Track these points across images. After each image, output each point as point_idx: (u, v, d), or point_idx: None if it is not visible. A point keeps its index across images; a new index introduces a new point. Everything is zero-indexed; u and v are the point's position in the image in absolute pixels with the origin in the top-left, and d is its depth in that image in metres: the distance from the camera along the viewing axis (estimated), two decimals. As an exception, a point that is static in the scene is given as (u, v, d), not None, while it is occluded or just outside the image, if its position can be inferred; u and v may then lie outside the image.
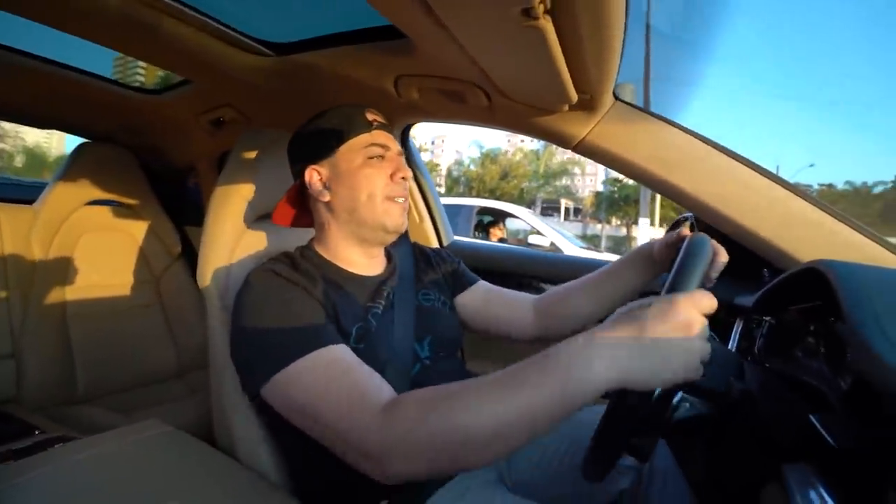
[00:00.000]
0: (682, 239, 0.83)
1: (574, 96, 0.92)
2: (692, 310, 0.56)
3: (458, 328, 1.07)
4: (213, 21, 1.08)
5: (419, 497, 0.82)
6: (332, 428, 0.68)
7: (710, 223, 1.03)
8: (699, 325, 0.56)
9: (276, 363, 0.73)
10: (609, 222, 33.59)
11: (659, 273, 0.99)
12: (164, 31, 1.06)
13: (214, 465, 0.86)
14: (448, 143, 56.84)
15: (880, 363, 0.46)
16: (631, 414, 0.59)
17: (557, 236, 6.01)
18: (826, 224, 0.95)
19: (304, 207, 1.01)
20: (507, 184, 35.09)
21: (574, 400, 0.56)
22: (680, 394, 0.65)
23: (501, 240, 5.91)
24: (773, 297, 0.88)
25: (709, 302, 0.57)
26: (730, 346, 1.02)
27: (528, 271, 1.70)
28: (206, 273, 1.01)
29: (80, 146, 1.76)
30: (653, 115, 1.04)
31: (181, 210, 2.07)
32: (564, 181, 39.32)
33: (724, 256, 0.81)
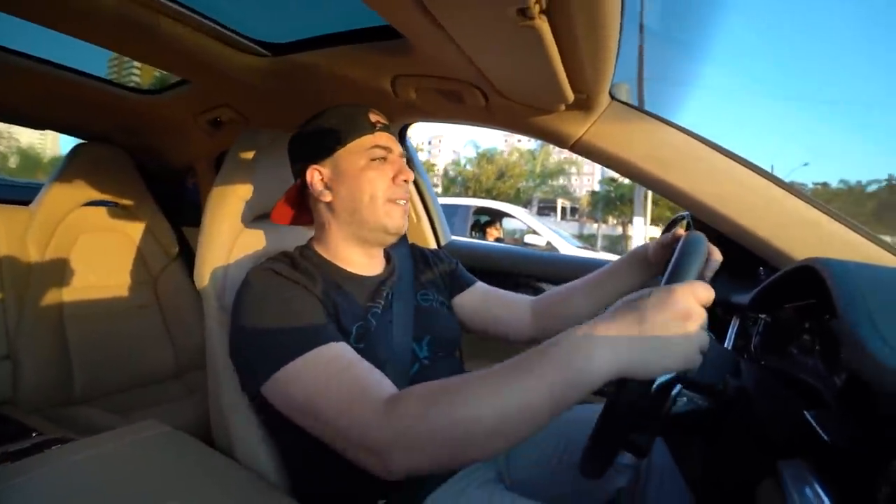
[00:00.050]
0: (677, 239, 0.83)
1: (571, 96, 0.92)
2: (691, 299, 0.57)
3: (457, 328, 1.07)
4: (209, 21, 1.08)
5: (417, 496, 0.83)
6: (334, 424, 0.68)
7: (706, 222, 1.04)
8: (698, 314, 0.57)
9: (276, 361, 0.73)
10: (605, 222, 33.60)
11: (655, 274, 0.99)
12: (160, 31, 1.05)
13: (213, 465, 0.86)
14: (445, 143, 56.81)
15: (873, 361, 0.46)
16: (629, 410, 0.59)
17: (553, 236, 6.03)
18: (822, 223, 0.96)
19: (303, 206, 1.02)
20: (503, 184, 35.06)
21: (575, 391, 0.56)
22: (678, 387, 0.65)
23: (498, 239, 5.93)
24: (769, 295, 0.89)
25: (707, 293, 0.58)
26: (726, 344, 1.03)
27: (525, 270, 1.71)
28: (204, 273, 1.01)
29: (77, 147, 1.75)
30: (649, 114, 1.04)
31: (178, 210, 2.06)
32: (561, 181, 39.36)
33: (718, 256, 0.82)
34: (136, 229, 1.89)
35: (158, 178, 2.02)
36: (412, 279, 1.03)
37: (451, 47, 0.78)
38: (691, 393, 0.71)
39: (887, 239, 0.95)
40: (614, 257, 1.09)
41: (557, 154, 35.09)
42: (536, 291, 1.68)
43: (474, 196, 27.02)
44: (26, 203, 1.64)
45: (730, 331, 1.05)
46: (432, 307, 1.02)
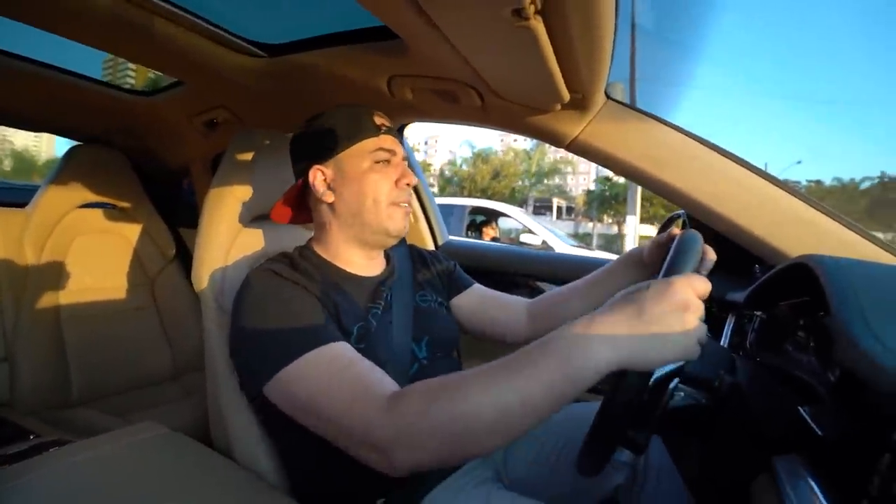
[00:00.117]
0: (672, 239, 0.84)
1: (566, 95, 0.93)
2: (689, 290, 0.57)
3: (455, 329, 1.07)
4: (205, 22, 1.08)
5: (416, 495, 0.83)
6: (337, 422, 0.68)
7: (701, 220, 1.04)
8: (696, 306, 0.57)
9: (278, 362, 0.73)
10: (601, 220, 33.66)
11: (650, 275, 1.00)
12: (156, 32, 1.05)
13: (212, 465, 0.86)
14: (441, 143, 56.88)
15: (865, 358, 0.47)
16: (627, 405, 0.59)
17: (549, 235, 6.05)
18: (816, 221, 0.96)
19: (302, 206, 1.02)
20: (498, 183, 35.11)
21: (575, 383, 0.56)
22: (676, 381, 0.65)
23: (494, 239, 5.94)
24: (764, 292, 0.89)
25: (704, 285, 0.58)
26: (722, 342, 1.03)
27: (522, 270, 1.71)
28: (202, 275, 1.01)
29: (73, 148, 1.74)
30: (645, 113, 1.05)
31: (175, 212, 2.06)
32: (557, 180, 39.45)
33: (712, 255, 0.82)
34: (132, 231, 1.88)
35: (155, 180, 2.02)
36: (411, 280, 1.04)
37: (447, 48, 0.79)
38: (688, 388, 0.71)
39: (880, 236, 0.96)
40: (609, 255, 1.10)
41: (553, 153, 35.19)
42: (533, 290, 1.69)
43: (469, 196, 27.06)
44: (22, 205, 1.64)
45: (726, 328, 1.06)
46: (431, 308, 1.02)
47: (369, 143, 0.92)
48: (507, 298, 1.15)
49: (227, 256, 1.04)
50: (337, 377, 0.71)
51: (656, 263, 0.95)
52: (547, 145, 1.41)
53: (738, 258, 1.04)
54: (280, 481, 0.92)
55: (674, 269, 0.67)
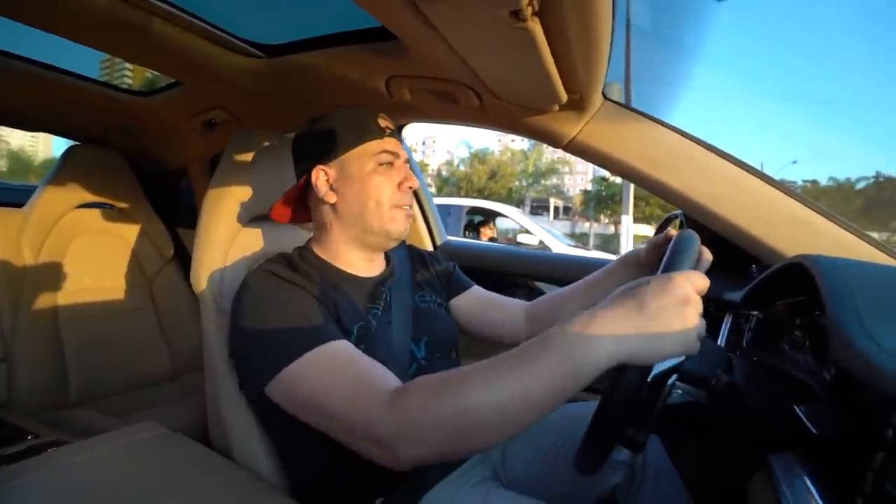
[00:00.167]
0: (668, 240, 0.84)
1: (564, 96, 0.93)
2: (688, 285, 0.57)
3: (454, 329, 1.07)
4: (203, 23, 1.08)
5: (415, 495, 0.83)
6: (340, 419, 0.68)
7: (698, 220, 1.05)
8: (696, 300, 0.58)
9: (279, 361, 0.73)
10: (597, 220, 33.70)
11: (648, 275, 1.00)
12: (154, 32, 1.05)
13: (211, 465, 0.86)
14: (439, 144, 56.88)
15: (860, 357, 0.47)
16: (626, 401, 0.59)
17: (546, 235, 6.06)
18: (812, 220, 0.97)
19: (302, 205, 1.02)
20: (495, 183, 35.11)
21: (576, 378, 0.56)
22: (674, 377, 0.66)
23: (492, 239, 5.95)
24: (761, 292, 0.90)
25: (703, 281, 0.59)
26: (719, 341, 1.04)
27: (521, 270, 1.72)
28: (201, 275, 1.01)
29: (71, 148, 1.74)
30: (642, 114, 1.05)
31: (173, 212, 2.06)
32: (554, 180, 39.48)
33: (708, 256, 0.83)
34: (130, 231, 1.88)
35: (153, 180, 2.01)
36: (410, 280, 1.04)
37: (445, 49, 0.79)
38: (685, 386, 0.72)
39: (875, 236, 0.96)
40: (606, 255, 1.10)
41: (550, 154, 35.20)
42: (531, 290, 1.70)
43: (466, 196, 27.07)
44: (19, 206, 1.63)
45: (723, 328, 1.06)
46: (430, 308, 1.02)
47: (373, 146, 0.92)
48: (506, 301, 1.15)
49: (225, 257, 1.04)
50: (339, 374, 0.71)
51: (653, 264, 0.95)
52: (544, 145, 1.41)
53: (735, 258, 1.04)
54: (279, 481, 0.92)
55: (672, 267, 0.68)
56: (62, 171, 1.68)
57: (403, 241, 1.12)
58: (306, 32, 1.13)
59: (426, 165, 45.56)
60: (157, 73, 1.41)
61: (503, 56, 0.80)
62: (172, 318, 1.90)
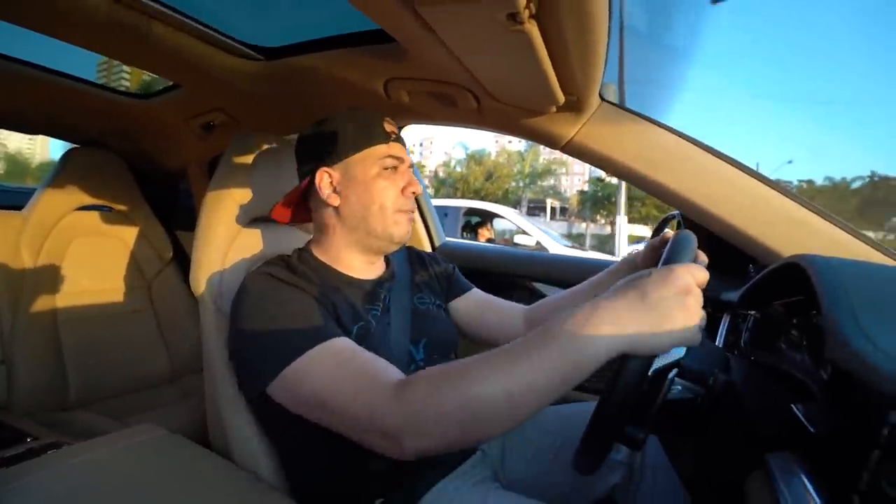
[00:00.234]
0: (665, 242, 0.84)
1: (561, 98, 0.93)
2: (689, 276, 0.58)
3: (453, 331, 1.08)
4: (202, 26, 1.08)
5: (414, 495, 0.83)
6: (345, 413, 0.69)
7: (695, 221, 1.05)
8: (697, 291, 0.58)
9: (281, 360, 0.73)
10: (594, 221, 33.70)
11: None
12: (153, 35, 1.05)
13: (211, 467, 0.86)
14: (436, 145, 56.83)
15: (856, 356, 0.47)
16: (623, 404, 0.60)
17: (543, 236, 6.07)
18: (808, 220, 0.97)
19: (303, 206, 1.02)
20: (491, 184, 35.10)
21: (579, 367, 0.57)
22: (674, 372, 0.66)
23: (490, 240, 5.95)
24: (758, 292, 0.90)
25: (703, 274, 0.59)
26: (717, 341, 1.04)
27: (519, 271, 1.72)
28: (200, 277, 1.01)
29: (70, 151, 1.74)
30: (639, 115, 1.06)
31: (172, 214, 2.06)
32: (551, 181, 39.48)
33: (703, 258, 0.83)
34: (129, 233, 1.88)
35: (152, 182, 2.02)
36: (409, 282, 1.04)
37: (443, 51, 0.79)
38: (684, 381, 0.72)
39: (870, 235, 0.97)
40: (602, 256, 1.10)
41: (547, 154, 35.21)
42: (530, 291, 1.70)
43: (463, 197, 27.08)
44: (18, 209, 1.63)
45: (720, 327, 1.07)
46: (429, 310, 1.03)
47: (379, 150, 0.92)
48: (504, 304, 1.15)
49: (224, 259, 1.04)
50: (342, 369, 0.71)
51: (650, 267, 0.95)
52: (540, 146, 1.41)
53: (732, 258, 1.05)
54: (279, 482, 0.92)
55: (672, 261, 0.68)
56: (61, 173, 1.68)
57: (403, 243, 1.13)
58: (304, 35, 1.13)
59: (423, 167, 45.55)
60: (155, 76, 1.41)
61: (501, 58, 0.80)
62: (171, 320, 1.89)
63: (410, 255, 1.13)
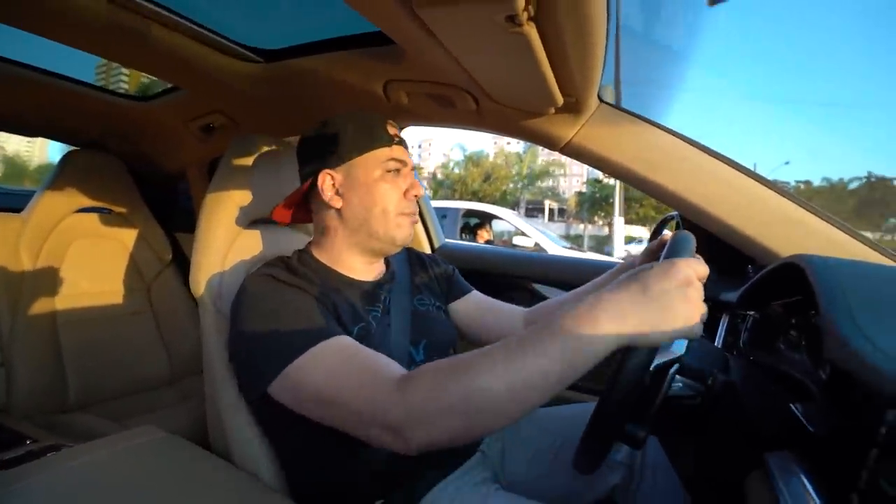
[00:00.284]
0: (663, 244, 0.85)
1: (560, 99, 0.93)
2: (690, 269, 0.58)
3: (453, 332, 1.08)
4: (201, 28, 1.08)
5: (414, 496, 0.84)
6: (348, 408, 0.69)
7: (694, 221, 1.05)
8: (698, 283, 0.59)
9: (283, 360, 0.73)
10: (592, 222, 33.70)
11: None
12: (152, 38, 1.05)
13: (211, 468, 0.86)
14: (435, 147, 56.87)
15: (854, 356, 0.48)
16: (622, 403, 0.60)
17: (541, 237, 6.07)
18: (806, 220, 0.98)
19: (304, 207, 1.02)
20: (489, 186, 35.10)
21: (582, 359, 0.57)
22: (675, 368, 0.66)
23: (488, 241, 5.96)
24: (756, 292, 0.91)
25: (704, 267, 0.60)
26: (716, 341, 1.05)
27: (519, 272, 1.73)
28: (200, 279, 1.01)
29: (69, 153, 1.74)
30: (638, 116, 1.06)
31: (171, 216, 2.06)
32: (550, 182, 39.51)
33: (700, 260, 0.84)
34: (129, 236, 1.88)
35: (151, 184, 2.02)
36: (409, 283, 1.04)
37: (442, 53, 0.79)
38: (684, 379, 0.72)
39: (868, 235, 0.97)
40: (601, 257, 1.11)
41: (545, 156, 35.22)
42: (530, 292, 1.71)
43: (461, 198, 27.08)
44: (16, 211, 1.63)
45: (719, 328, 1.07)
46: (429, 311, 1.03)
47: (382, 153, 0.91)
48: (504, 306, 1.15)
49: (224, 261, 1.04)
50: (345, 366, 0.71)
51: None
52: (538, 147, 1.41)
53: (731, 258, 1.05)
54: (279, 483, 0.92)
55: (673, 256, 0.68)
56: (60, 175, 1.68)
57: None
58: (304, 37, 1.13)
59: (422, 168, 45.59)
60: (153, 78, 1.41)
61: (500, 60, 0.80)
62: (171, 322, 1.89)
63: (410, 256, 1.13)
